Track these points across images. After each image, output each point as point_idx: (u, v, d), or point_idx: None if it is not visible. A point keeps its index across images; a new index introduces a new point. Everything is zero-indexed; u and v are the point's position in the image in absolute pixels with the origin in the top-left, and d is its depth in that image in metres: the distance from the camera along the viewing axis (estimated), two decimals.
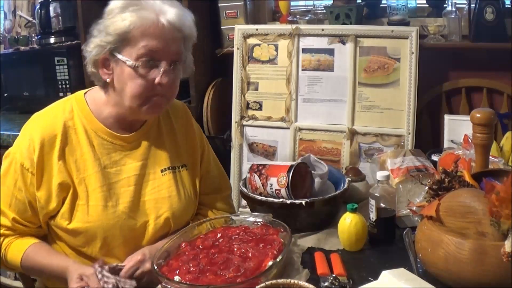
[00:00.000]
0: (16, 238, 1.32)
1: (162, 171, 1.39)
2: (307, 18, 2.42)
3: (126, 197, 1.33)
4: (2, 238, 1.32)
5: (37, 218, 1.31)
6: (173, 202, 1.38)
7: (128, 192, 1.33)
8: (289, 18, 2.44)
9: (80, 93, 1.38)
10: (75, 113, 1.33)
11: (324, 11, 2.41)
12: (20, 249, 1.30)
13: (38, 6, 2.65)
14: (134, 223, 1.33)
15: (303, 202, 1.38)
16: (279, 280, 1.02)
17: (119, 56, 1.25)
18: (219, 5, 2.51)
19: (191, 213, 1.45)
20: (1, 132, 2.32)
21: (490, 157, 1.41)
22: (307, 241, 1.37)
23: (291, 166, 1.42)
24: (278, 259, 1.13)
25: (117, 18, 1.24)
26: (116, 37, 1.24)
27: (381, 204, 1.31)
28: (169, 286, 1.09)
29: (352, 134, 2.21)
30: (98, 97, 1.36)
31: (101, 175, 1.31)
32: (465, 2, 2.25)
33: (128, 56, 1.25)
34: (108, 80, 1.29)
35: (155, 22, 1.24)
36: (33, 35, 2.80)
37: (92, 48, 1.27)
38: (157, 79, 1.26)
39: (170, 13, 1.26)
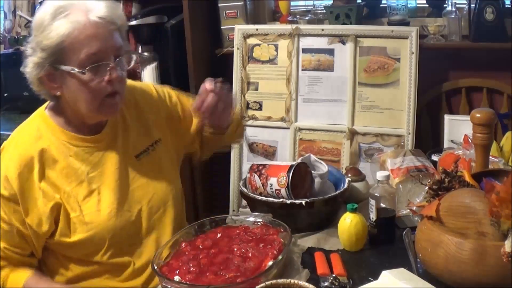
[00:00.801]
0: (11, 271, 1.27)
1: (136, 156, 1.38)
2: (307, 18, 2.42)
3: (115, 194, 1.31)
4: None
5: (27, 244, 1.28)
6: (158, 182, 1.39)
7: (115, 189, 1.32)
8: (289, 18, 2.44)
9: (41, 110, 1.35)
10: (43, 131, 1.30)
11: (324, 11, 2.41)
12: (18, 281, 1.27)
13: (38, 6, 2.64)
14: (129, 215, 1.32)
15: (303, 202, 1.38)
16: (279, 280, 1.02)
17: (63, 67, 1.21)
18: (219, 5, 2.51)
19: (179, 183, 1.47)
20: (1, 132, 2.32)
21: (490, 157, 1.41)
22: (307, 241, 1.37)
23: (291, 166, 1.42)
24: (278, 259, 1.13)
25: (47, 31, 1.19)
26: (52, 51, 1.19)
27: (381, 204, 1.31)
28: (169, 286, 1.09)
29: (352, 134, 2.21)
30: (57, 109, 1.33)
31: (87, 183, 1.29)
32: (465, 2, 2.25)
33: (71, 64, 1.20)
34: (58, 93, 1.26)
35: (87, 22, 1.19)
36: None
37: (31, 67, 1.23)
38: (106, 78, 1.22)
39: (99, 8, 1.22)
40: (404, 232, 1.20)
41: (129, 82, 1.41)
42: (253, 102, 2.38)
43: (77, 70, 1.20)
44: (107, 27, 1.22)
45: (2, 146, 1.32)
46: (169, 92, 1.53)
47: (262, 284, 0.99)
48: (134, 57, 1.35)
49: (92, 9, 1.21)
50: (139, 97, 1.46)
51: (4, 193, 1.24)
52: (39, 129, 1.31)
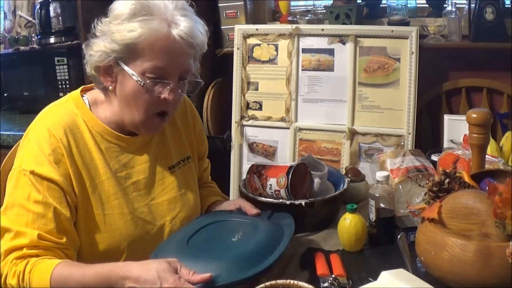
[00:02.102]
0: (41, 260, 1.12)
1: (170, 168, 1.34)
2: (307, 18, 2.42)
3: (139, 202, 1.27)
4: (25, 262, 1.11)
5: (64, 229, 1.16)
6: (186, 199, 1.35)
7: (140, 197, 1.27)
8: (289, 18, 2.44)
9: (76, 94, 1.28)
10: (77, 116, 1.23)
11: (324, 11, 2.41)
12: (47, 269, 1.10)
13: (38, 6, 2.64)
14: (151, 227, 1.27)
15: (303, 202, 1.38)
16: (279, 280, 1.02)
17: (125, 68, 1.17)
18: (219, 5, 2.51)
19: (199, 204, 1.43)
20: (1, 132, 2.32)
21: (489, 157, 1.41)
22: (307, 241, 1.37)
23: (291, 167, 1.42)
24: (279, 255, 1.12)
25: (125, 27, 1.15)
26: (123, 47, 1.15)
27: (381, 205, 1.31)
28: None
29: (352, 134, 2.21)
30: (99, 99, 1.27)
31: (114, 181, 1.23)
32: (465, 2, 2.25)
33: (134, 69, 1.17)
34: (110, 88, 1.21)
35: (166, 35, 1.15)
36: (33, 35, 2.79)
37: (95, 52, 1.18)
38: (163, 96, 1.18)
39: (183, 26, 1.16)
40: (398, 237, 1.20)
41: None
42: (253, 102, 2.38)
43: (137, 77, 1.16)
44: (183, 49, 1.17)
45: (29, 128, 1.24)
46: (201, 125, 1.51)
47: (262, 285, 1.00)
48: (199, 85, 1.30)
49: (177, 24, 1.17)
50: (180, 108, 1.40)
51: (38, 170, 1.15)
52: (72, 112, 1.23)
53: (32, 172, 1.15)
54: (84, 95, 1.29)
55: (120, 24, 1.16)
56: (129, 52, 1.16)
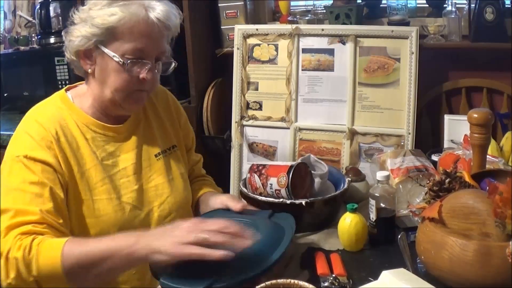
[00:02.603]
0: (49, 237, 1.11)
1: (156, 155, 1.38)
2: (307, 18, 2.42)
3: (127, 188, 1.30)
4: (31, 237, 1.10)
5: (59, 209, 1.18)
6: (174, 185, 1.38)
7: (128, 183, 1.31)
8: (289, 18, 2.44)
9: (61, 92, 1.34)
10: (62, 109, 1.29)
11: (324, 11, 2.41)
12: (56, 246, 1.09)
13: (38, 6, 2.65)
14: (139, 213, 1.30)
15: (303, 202, 1.38)
16: (279, 280, 1.02)
17: (105, 50, 1.23)
18: (219, 5, 2.51)
19: (190, 192, 1.46)
20: (1, 132, 2.32)
21: (490, 157, 1.41)
22: (308, 241, 1.37)
23: (291, 166, 1.42)
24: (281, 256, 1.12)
25: (105, 12, 1.21)
26: (104, 31, 1.21)
27: (381, 204, 1.31)
28: (166, 282, 1.08)
29: (352, 134, 2.21)
30: (82, 92, 1.33)
31: (101, 168, 1.27)
32: (465, 2, 2.25)
33: (114, 51, 1.23)
34: (89, 70, 1.27)
35: (145, 18, 1.22)
36: (33, 35, 2.80)
37: (76, 37, 1.24)
38: (141, 75, 1.25)
39: (160, 10, 1.24)
40: (399, 236, 1.20)
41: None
42: (253, 102, 2.38)
43: (118, 58, 1.22)
44: (161, 30, 1.25)
45: (18, 126, 1.28)
46: (186, 118, 1.55)
47: (262, 284, 1.00)
48: (172, 65, 1.35)
49: (153, 7, 1.24)
50: (162, 100, 1.48)
51: (31, 154, 1.19)
52: (58, 107, 1.29)
53: (26, 156, 1.18)
54: (67, 92, 1.35)
55: (101, 9, 1.22)
56: (110, 35, 1.22)
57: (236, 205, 1.35)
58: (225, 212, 1.37)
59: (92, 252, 1.09)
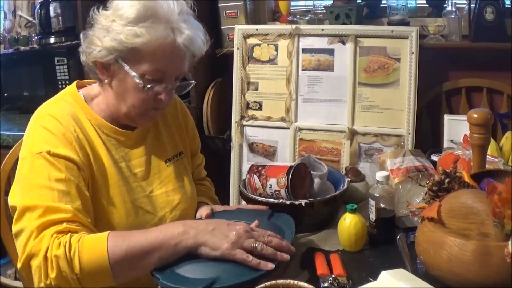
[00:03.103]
0: (84, 234, 1.08)
1: (166, 162, 1.36)
2: (307, 18, 2.42)
3: (139, 193, 1.28)
4: (69, 235, 1.06)
5: (87, 207, 1.15)
6: (184, 191, 1.37)
7: (140, 188, 1.29)
8: (289, 18, 2.44)
9: (73, 89, 1.29)
10: (76, 108, 1.25)
11: (324, 11, 2.41)
12: (100, 239, 1.07)
13: (38, 6, 2.65)
14: (151, 217, 1.28)
15: (303, 202, 1.38)
16: (279, 280, 1.01)
17: (125, 67, 1.19)
18: (219, 5, 2.51)
19: (196, 198, 1.45)
20: (1, 132, 2.33)
21: (489, 157, 1.41)
22: (307, 241, 1.37)
23: (291, 167, 1.42)
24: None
25: (131, 30, 1.16)
26: (127, 49, 1.17)
27: (381, 205, 1.31)
28: (166, 282, 1.08)
29: (352, 134, 2.21)
30: (95, 94, 1.29)
31: (116, 169, 1.24)
32: (465, 2, 2.25)
33: (134, 69, 1.19)
34: (106, 81, 1.24)
35: (171, 42, 1.18)
36: (33, 35, 2.80)
37: (95, 46, 1.19)
38: (159, 96, 1.23)
39: (187, 35, 1.19)
40: (398, 237, 1.20)
41: None
42: (253, 102, 2.38)
43: (137, 78, 1.19)
44: (185, 55, 1.23)
45: (31, 120, 1.23)
46: (193, 123, 1.53)
47: (262, 285, 0.99)
48: (190, 85, 1.33)
49: (181, 31, 1.19)
50: (170, 106, 1.43)
51: (55, 150, 1.14)
52: (71, 104, 1.25)
53: (49, 153, 1.13)
54: (79, 90, 1.30)
55: (125, 26, 1.17)
56: (132, 54, 1.18)
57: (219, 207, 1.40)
58: (225, 213, 1.37)
59: (140, 244, 1.07)
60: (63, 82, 2.55)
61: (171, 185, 1.35)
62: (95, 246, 1.06)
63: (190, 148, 1.49)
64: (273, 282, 1.01)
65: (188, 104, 2.46)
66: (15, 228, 1.11)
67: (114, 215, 1.23)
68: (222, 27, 2.53)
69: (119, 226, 1.22)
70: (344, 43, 2.22)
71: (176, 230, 1.11)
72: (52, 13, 2.62)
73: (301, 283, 1.00)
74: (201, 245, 1.10)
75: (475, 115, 1.30)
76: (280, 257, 1.11)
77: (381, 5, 2.40)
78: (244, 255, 1.08)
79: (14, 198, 1.14)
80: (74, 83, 1.32)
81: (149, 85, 1.20)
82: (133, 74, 1.19)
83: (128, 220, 1.24)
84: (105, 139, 1.26)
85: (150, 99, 1.23)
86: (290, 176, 1.40)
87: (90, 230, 1.13)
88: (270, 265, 1.07)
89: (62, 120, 1.20)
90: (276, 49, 2.33)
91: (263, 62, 2.35)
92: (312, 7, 2.53)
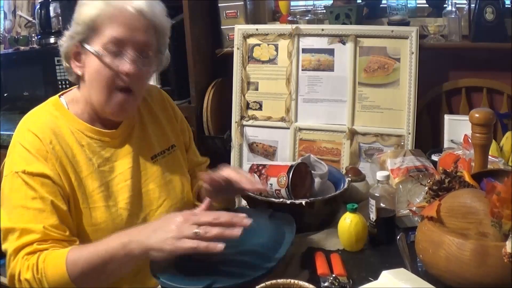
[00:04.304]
0: (52, 251, 1.13)
1: (152, 158, 1.36)
2: (307, 18, 2.42)
3: (125, 193, 1.28)
4: (37, 255, 1.12)
5: (64, 222, 1.18)
6: (171, 188, 1.37)
7: (126, 187, 1.29)
8: (289, 18, 2.44)
9: (55, 97, 1.33)
10: (56, 116, 1.27)
11: (324, 11, 2.41)
12: (60, 254, 1.11)
13: (38, 6, 2.65)
14: (135, 219, 1.28)
15: (303, 202, 1.38)
16: (279, 280, 1.01)
17: (87, 47, 1.22)
18: (219, 5, 2.51)
19: (190, 192, 1.44)
20: (1, 132, 2.32)
21: (490, 157, 1.41)
22: (307, 241, 1.37)
23: (291, 166, 1.42)
24: (280, 257, 1.12)
25: (85, 7, 1.22)
26: (84, 26, 1.21)
27: (381, 204, 1.31)
28: (166, 282, 1.08)
29: (352, 134, 2.21)
30: (75, 97, 1.31)
31: (97, 175, 1.25)
32: (465, 2, 2.25)
33: (95, 46, 1.21)
34: (79, 73, 1.26)
35: (122, 9, 1.21)
36: (33, 35, 2.80)
37: (64, 41, 1.26)
38: (122, 68, 1.21)
39: (138, 1, 1.23)
40: (398, 237, 1.20)
41: (150, 85, 1.41)
42: (253, 102, 2.38)
43: (97, 52, 1.20)
44: (140, 20, 1.22)
45: (14, 134, 1.27)
46: (182, 116, 1.52)
47: (262, 284, 0.99)
48: (165, 60, 1.33)
49: (131, 1, 1.23)
50: (157, 99, 1.46)
51: (29, 169, 1.17)
52: (52, 114, 1.27)
53: (24, 172, 1.17)
54: (61, 97, 1.33)
55: (82, 5, 1.23)
56: (90, 29, 1.21)
57: (247, 185, 1.26)
58: None
59: (92, 258, 1.10)
60: (63, 82, 2.55)
61: (157, 182, 1.35)
62: (56, 265, 1.10)
63: (183, 140, 1.49)
64: (273, 281, 1.01)
65: (188, 104, 2.46)
66: (3, 247, 1.18)
67: (98, 220, 1.23)
68: (222, 27, 2.53)
69: (107, 231, 1.21)
70: (344, 43, 2.22)
71: (120, 241, 1.09)
72: (52, 13, 2.62)
73: (301, 283, 1.01)
74: (149, 250, 1.07)
75: (477, 115, 1.30)
76: (229, 233, 1.04)
77: (381, 5, 2.40)
78: (189, 243, 1.03)
79: (1, 219, 1.18)
80: (58, 93, 1.35)
81: (107, 51, 1.20)
82: (93, 49, 1.21)
83: (114, 224, 1.24)
84: (88, 143, 1.27)
85: (113, 73, 1.22)
86: (290, 176, 1.40)
87: (68, 243, 1.16)
88: (220, 246, 1.02)
89: (39, 133, 1.22)
90: (276, 49, 2.33)
91: (263, 62, 2.35)
92: (312, 7, 2.53)
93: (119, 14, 1.21)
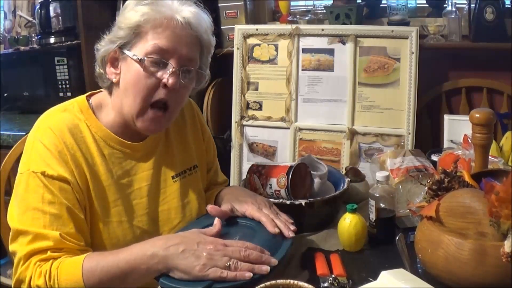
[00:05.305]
0: (67, 257, 1.09)
1: (173, 177, 1.32)
2: (307, 18, 2.42)
3: (139, 210, 1.25)
4: (50, 262, 1.08)
5: (80, 229, 1.14)
6: (187, 210, 1.33)
7: (141, 205, 1.25)
8: (289, 18, 2.44)
9: (82, 98, 1.26)
10: (81, 121, 1.21)
11: (324, 11, 2.41)
12: (76, 261, 1.07)
13: (38, 6, 2.65)
14: (148, 238, 1.17)
15: (303, 202, 1.38)
16: (279, 280, 1.01)
17: (127, 53, 1.17)
18: (219, 5, 2.51)
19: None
20: (1, 132, 2.33)
21: (490, 157, 1.41)
22: (307, 241, 1.37)
23: (291, 167, 1.42)
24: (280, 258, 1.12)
25: (130, 12, 1.17)
26: (127, 31, 1.16)
27: (381, 205, 1.31)
28: (166, 282, 1.08)
29: (352, 134, 2.21)
30: (104, 102, 1.26)
31: (115, 188, 1.21)
32: (465, 2, 2.25)
33: (136, 52, 1.16)
34: (114, 79, 1.20)
35: (169, 17, 1.16)
36: (33, 35, 2.80)
37: (103, 45, 1.20)
38: (163, 80, 1.16)
39: (186, 11, 1.19)
40: (397, 238, 1.20)
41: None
42: (253, 102, 2.38)
43: (137, 56, 1.16)
44: (186, 32, 1.18)
45: (32, 130, 1.21)
46: (209, 134, 1.49)
47: (262, 285, 0.99)
48: (205, 79, 1.29)
49: (180, 10, 1.19)
50: (189, 115, 1.41)
51: (49, 171, 1.13)
52: (76, 117, 1.21)
53: (43, 174, 1.13)
54: (89, 99, 1.28)
55: (126, 11, 1.19)
56: (133, 35, 1.17)
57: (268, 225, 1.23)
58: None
59: (112, 267, 1.06)
60: (63, 82, 2.55)
61: (175, 202, 1.31)
62: (71, 273, 1.07)
63: (206, 160, 1.46)
64: (273, 282, 1.01)
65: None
66: (11, 248, 1.14)
67: (110, 235, 1.20)
68: (222, 27, 2.53)
69: (117, 246, 1.16)
70: (344, 43, 2.22)
71: (144, 254, 1.06)
72: (52, 13, 2.62)
73: (301, 283, 1.00)
74: (173, 269, 1.05)
75: (477, 115, 1.30)
76: (258, 270, 1.05)
77: (381, 5, 2.40)
78: (218, 272, 1.03)
79: (11, 218, 1.15)
80: (87, 93, 1.29)
81: (149, 60, 1.15)
82: (134, 54, 1.16)
83: (124, 240, 1.20)
84: (109, 152, 1.22)
85: (153, 84, 1.17)
86: (290, 176, 1.40)
87: (82, 252, 1.12)
88: (248, 275, 1.04)
89: (61, 135, 1.17)
90: (276, 49, 2.33)
91: (263, 62, 2.35)
92: (312, 7, 2.53)
93: (166, 23, 1.16)
